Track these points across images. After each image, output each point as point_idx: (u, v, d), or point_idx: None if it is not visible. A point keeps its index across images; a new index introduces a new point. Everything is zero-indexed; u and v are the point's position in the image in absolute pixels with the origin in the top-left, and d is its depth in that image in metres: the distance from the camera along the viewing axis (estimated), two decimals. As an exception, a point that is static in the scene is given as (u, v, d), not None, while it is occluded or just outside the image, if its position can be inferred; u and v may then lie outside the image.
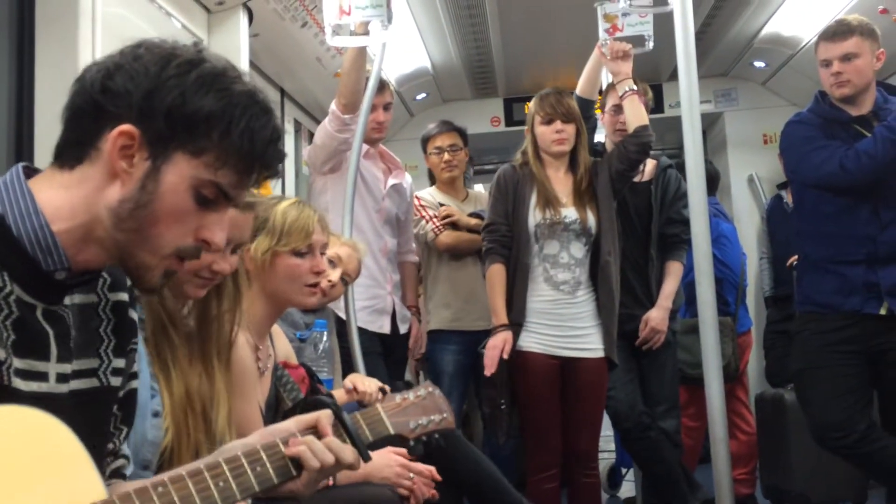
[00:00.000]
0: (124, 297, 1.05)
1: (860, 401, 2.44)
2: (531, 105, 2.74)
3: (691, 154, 2.05)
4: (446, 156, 3.26)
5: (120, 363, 1.02)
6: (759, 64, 4.72)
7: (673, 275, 2.96)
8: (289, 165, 3.95)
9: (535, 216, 2.63)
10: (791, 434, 3.31)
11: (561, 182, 2.69)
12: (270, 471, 1.01)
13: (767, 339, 4.26)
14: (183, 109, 0.91)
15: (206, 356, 1.12)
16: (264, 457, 1.01)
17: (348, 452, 1.09)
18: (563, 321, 2.59)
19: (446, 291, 3.15)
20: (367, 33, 2.59)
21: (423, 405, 1.31)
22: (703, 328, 2.06)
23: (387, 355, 2.84)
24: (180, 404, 1.15)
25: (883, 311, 2.42)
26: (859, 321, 2.44)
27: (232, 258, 1.34)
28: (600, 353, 2.60)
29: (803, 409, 2.60)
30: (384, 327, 2.89)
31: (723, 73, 4.98)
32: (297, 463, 1.04)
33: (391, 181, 3.04)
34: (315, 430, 1.10)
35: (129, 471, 1.06)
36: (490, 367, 2.53)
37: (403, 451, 1.72)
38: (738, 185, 5.02)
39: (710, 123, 5.28)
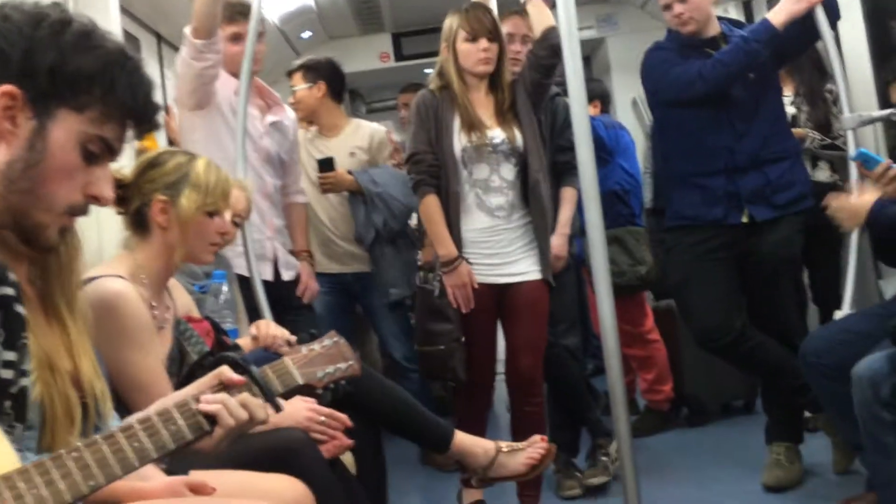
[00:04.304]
0: (10, 291, 1.01)
1: (733, 303, 2.66)
2: (451, 20, 2.58)
3: (573, 82, 2.10)
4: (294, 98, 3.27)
5: (10, 356, 1.00)
6: (634, -12, 4.83)
7: (568, 201, 2.96)
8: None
9: (460, 141, 2.53)
10: (682, 342, 3.53)
11: (483, 103, 2.58)
12: (184, 428, 1.04)
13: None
14: (64, 68, 0.93)
15: (56, 311, 1.11)
16: (176, 415, 1.04)
17: (262, 409, 1.13)
18: (500, 248, 2.54)
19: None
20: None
21: (330, 354, 1.37)
22: (593, 250, 2.14)
23: (273, 303, 2.66)
24: (44, 365, 1.13)
25: (745, 220, 2.64)
26: (724, 230, 2.65)
27: None
28: (538, 276, 2.56)
29: (684, 317, 2.81)
30: (265, 273, 2.74)
31: (603, -1, 5.08)
32: (211, 418, 1.07)
33: (270, 118, 2.87)
34: (223, 386, 1.13)
35: None
36: (467, 305, 2.48)
37: (312, 399, 1.75)
38: (623, 108, 5.17)
39: (593, 49, 5.38)
